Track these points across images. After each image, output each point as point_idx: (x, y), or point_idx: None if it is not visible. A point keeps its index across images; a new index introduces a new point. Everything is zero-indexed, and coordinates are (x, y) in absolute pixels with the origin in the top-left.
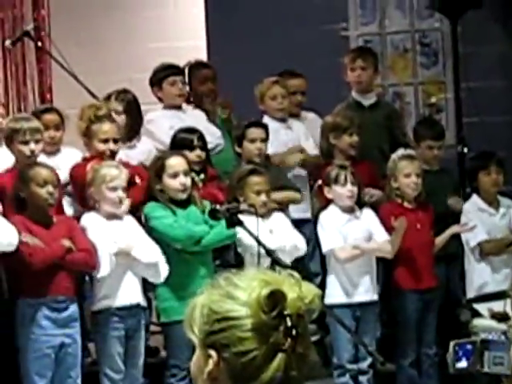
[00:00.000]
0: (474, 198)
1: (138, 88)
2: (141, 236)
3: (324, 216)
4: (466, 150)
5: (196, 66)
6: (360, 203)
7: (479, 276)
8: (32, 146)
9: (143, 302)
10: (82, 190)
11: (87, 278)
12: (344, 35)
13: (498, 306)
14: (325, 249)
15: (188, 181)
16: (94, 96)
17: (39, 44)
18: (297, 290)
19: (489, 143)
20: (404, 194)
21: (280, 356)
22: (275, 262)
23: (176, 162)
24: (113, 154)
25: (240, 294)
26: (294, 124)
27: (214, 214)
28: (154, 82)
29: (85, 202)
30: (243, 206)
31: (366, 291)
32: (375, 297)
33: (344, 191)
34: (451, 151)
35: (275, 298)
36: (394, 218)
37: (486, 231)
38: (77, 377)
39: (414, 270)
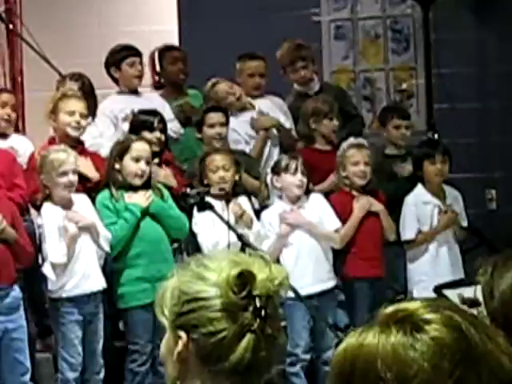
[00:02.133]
0: (419, 187)
1: None
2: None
3: (264, 215)
4: (436, 136)
5: (166, 48)
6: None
7: (416, 271)
8: None
9: (103, 286)
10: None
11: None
12: (316, 20)
13: (467, 292)
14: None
15: (147, 169)
16: (57, 82)
17: (10, 27)
18: (266, 272)
19: (459, 129)
20: (352, 183)
21: (249, 336)
22: (245, 245)
23: (141, 147)
24: (79, 128)
25: (210, 275)
26: (260, 104)
27: (184, 198)
28: (112, 62)
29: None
30: (213, 190)
31: (318, 281)
32: (330, 284)
33: (294, 180)
34: (422, 137)
35: (244, 279)
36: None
37: (429, 224)
38: (25, 360)
39: (362, 259)
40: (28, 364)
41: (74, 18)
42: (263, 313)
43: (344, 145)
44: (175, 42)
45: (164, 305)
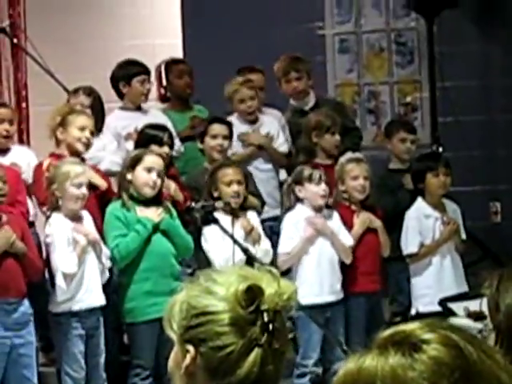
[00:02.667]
0: (419, 201)
1: None
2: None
3: (288, 217)
4: (440, 149)
5: (173, 61)
6: (327, 205)
7: (420, 285)
8: None
9: (103, 303)
10: (41, 188)
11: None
12: (320, 34)
13: (473, 305)
14: (279, 250)
15: (159, 181)
16: (69, 93)
17: (15, 41)
18: (275, 286)
19: (463, 143)
20: (351, 197)
21: (256, 351)
22: (250, 259)
23: (154, 159)
24: (87, 144)
25: (218, 289)
26: (262, 127)
27: (189, 212)
28: (121, 76)
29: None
30: (218, 204)
31: (334, 291)
32: (341, 296)
33: (318, 190)
34: (426, 151)
35: (253, 293)
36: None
37: (432, 237)
38: (32, 376)
39: (360, 274)
40: (35, 380)
41: (78, 32)
42: (271, 327)
43: (342, 159)
44: (179, 55)
45: (172, 319)
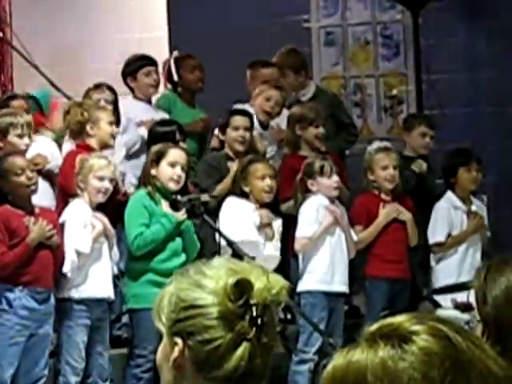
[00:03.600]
0: (449, 194)
1: (98, 79)
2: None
3: (308, 203)
4: None
5: (182, 57)
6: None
7: (443, 272)
8: (26, 140)
9: (112, 296)
10: (69, 179)
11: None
12: (306, 27)
13: (461, 296)
14: (298, 234)
15: (183, 175)
16: (54, 86)
17: (0, 35)
18: (264, 281)
19: (449, 135)
20: (381, 187)
21: (244, 345)
22: (236, 253)
23: (178, 153)
24: (115, 138)
25: (207, 283)
26: (267, 134)
27: (175, 205)
28: (128, 72)
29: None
30: (204, 197)
31: (342, 282)
32: (347, 289)
33: (331, 182)
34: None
35: (242, 287)
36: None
37: (460, 229)
38: (44, 367)
39: (389, 261)
40: (46, 372)
41: (63, 26)
42: (259, 322)
43: (370, 148)
44: (166, 49)
45: (161, 311)
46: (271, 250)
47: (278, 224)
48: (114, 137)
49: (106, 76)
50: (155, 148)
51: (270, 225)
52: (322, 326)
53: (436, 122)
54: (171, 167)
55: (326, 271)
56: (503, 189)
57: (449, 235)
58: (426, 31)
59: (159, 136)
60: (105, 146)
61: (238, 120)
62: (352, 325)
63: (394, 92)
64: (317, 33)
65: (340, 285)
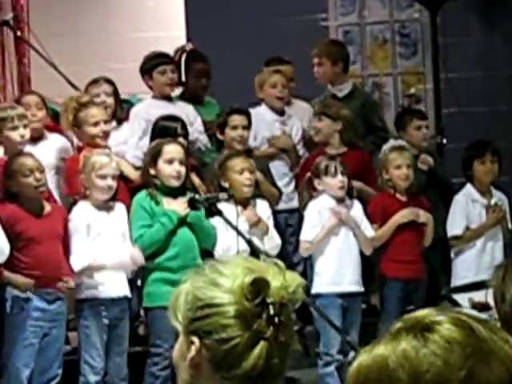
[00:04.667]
0: (468, 187)
1: (116, 78)
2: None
3: (312, 205)
4: (444, 140)
5: (193, 58)
6: (350, 194)
7: (461, 265)
8: (21, 130)
9: (129, 294)
10: (73, 179)
11: None
12: (324, 25)
13: (478, 296)
14: (302, 238)
15: (183, 169)
16: (73, 85)
17: (18, 34)
18: (280, 279)
19: (467, 134)
20: (396, 186)
21: (262, 344)
22: (254, 252)
23: (173, 149)
24: (106, 135)
25: (224, 281)
26: (289, 121)
27: (192, 204)
28: (145, 70)
29: (74, 191)
30: (222, 196)
31: (353, 282)
32: (361, 288)
33: (335, 182)
34: (430, 142)
35: (259, 286)
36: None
37: (478, 222)
38: (58, 367)
39: (403, 261)
40: (60, 371)
41: (81, 25)
42: (277, 320)
43: (385, 148)
44: None
45: (177, 309)
46: (270, 242)
47: (265, 213)
48: (103, 136)
49: (124, 75)
50: (150, 148)
51: (259, 220)
52: (338, 325)
53: (454, 120)
54: (169, 164)
55: (334, 272)
56: None
57: (467, 228)
58: (444, 30)
59: (160, 130)
60: (94, 145)
61: (236, 119)
62: (370, 323)
63: (412, 91)
64: (335, 31)
65: (351, 285)
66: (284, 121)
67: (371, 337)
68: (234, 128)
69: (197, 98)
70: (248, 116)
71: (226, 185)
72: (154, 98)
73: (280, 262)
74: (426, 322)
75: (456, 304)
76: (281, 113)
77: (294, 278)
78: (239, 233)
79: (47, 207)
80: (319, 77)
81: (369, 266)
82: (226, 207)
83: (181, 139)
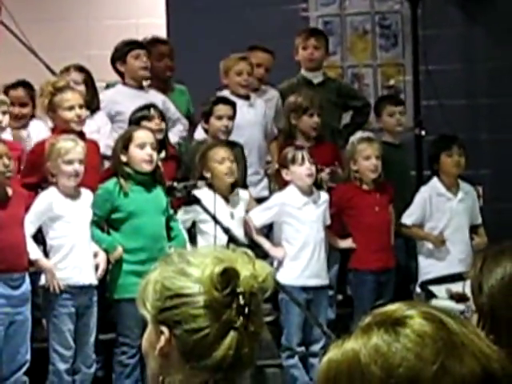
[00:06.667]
0: (434, 181)
1: (96, 65)
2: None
3: (276, 195)
4: (423, 132)
5: (152, 42)
6: (317, 185)
7: (426, 260)
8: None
9: (95, 282)
10: (39, 165)
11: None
12: (304, 16)
13: (455, 287)
14: (252, 217)
15: (154, 154)
16: (52, 71)
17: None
18: (250, 268)
19: (447, 126)
20: (363, 177)
21: (232, 334)
22: (232, 240)
23: (144, 134)
24: (81, 120)
25: (193, 271)
26: (257, 101)
27: (171, 192)
28: (117, 56)
29: (42, 177)
30: (200, 184)
31: (318, 275)
32: (327, 281)
33: (303, 170)
34: (409, 134)
35: (228, 276)
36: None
37: (441, 215)
38: (26, 353)
39: (372, 252)
40: (28, 357)
41: (61, 11)
42: (246, 310)
43: (353, 139)
44: (163, 35)
45: (146, 299)
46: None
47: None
48: (78, 121)
49: (104, 62)
50: (120, 135)
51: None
52: (299, 320)
53: (433, 113)
54: (140, 148)
55: (294, 266)
56: (499, 180)
57: (422, 223)
58: (425, 22)
59: (137, 120)
60: (69, 131)
61: (222, 109)
62: (346, 315)
63: (392, 82)
64: (315, 22)
65: (311, 278)
66: (251, 104)
67: (347, 328)
68: (220, 118)
69: (163, 82)
70: (233, 106)
71: (208, 174)
72: (124, 85)
73: (249, 252)
74: (396, 317)
75: (432, 295)
76: (246, 97)
77: (263, 268)
78: (217, 221)
79: (9, 192)
80: (313, 59)
81: (345, 258)
82: (207, 194)
83: (156, 120)
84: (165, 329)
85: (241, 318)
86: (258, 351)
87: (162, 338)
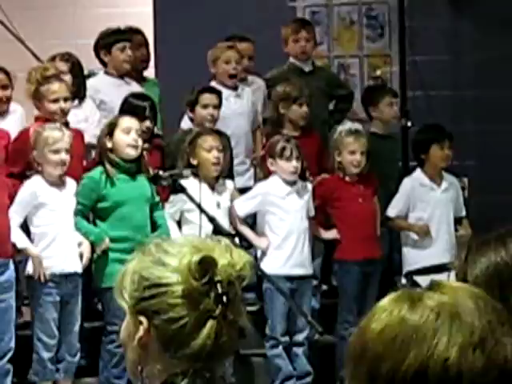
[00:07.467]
0: (418, 172)
1: (84, 53)
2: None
3: (259, 185)
4: (409, 123)
5: (129, 32)
6: (303, 177)
7: (412, 251)
8: None
9: (80, 270)
10: (24, 153)
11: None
12: (291, 6)
13: (440, 278)
14: (236, 207)
15: (140, 140)
16: (40, 60)
17: None
18: (228, 257)
19: (433, 117)
20: (346, 170)
21: (210, 323)
22: (217, 229)
23: (130, 121)
24: (64, 113)
25: (170, 261)
26: (244, 92)
27: (156, 180)
28: (102, 45)
29: (27, 165)
30: (186, 172)
31: (302, 265)
32: (311, 271)
33: (288, 166)
34: (395, 124)
35: (206, 265)
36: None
37: (425, 206)
38: (10, 340)
39: (357, 242)
40: (12, 344)
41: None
42: (225, 299)
43: (341, 128)
44: (150, 24)
45: (124, 289)
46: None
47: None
48: (62, 114)
49: (91, 51)
50: (106, 122)
51: None
52: (283, 310)
53: (419, 104)
54: (126, 134)
55: (278, 256)
56: (484, 172)
57: (406, 215)
58: (411, 13)
59: (130, 108)
60: (53, 120)
61: (207, 98)
62: (330, 305)
63: (378, 73)
64: (302, 12)
65: (295, 267)
66: (238, 94)
67: (332, 318)
68: (205, 107)
69: (138, 72)
70: (219, 95)
71: (195, 162)
72: (106, 73)
73: (227, 240)
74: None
75: (417, 285)
76: (234, 87)
77: (241, 256)
78: (202, 210)
79: None
80: (306, 51)
81: (330, 248)
82: (192, 184)
83: (147, 122)
84: (143, 319)
85: (219, 306)
86: (241, 341)
87: (141, 328)
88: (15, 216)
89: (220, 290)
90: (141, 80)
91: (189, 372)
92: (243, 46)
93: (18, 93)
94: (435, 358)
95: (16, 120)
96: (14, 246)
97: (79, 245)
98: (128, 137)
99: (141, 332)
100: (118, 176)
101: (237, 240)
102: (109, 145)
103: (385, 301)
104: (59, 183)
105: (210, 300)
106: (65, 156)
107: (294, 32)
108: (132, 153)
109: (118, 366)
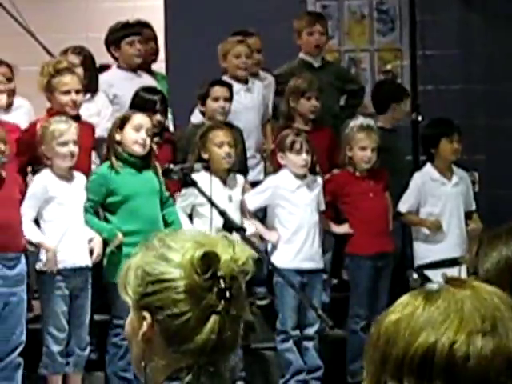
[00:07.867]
0: (428, 167)
1: (94, 47)
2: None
3: (269, 178)
4: (420, 117)
5: (137, 26)
6: (313, 171)
7: (423, 245)
8: None
9: (90, 264)
10: (31, 146)
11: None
12: (301, 0)
13: (451, 272)
14: (245, 197)
15: (148, 140)
16: (50, 54)
17: None
18: (230, 252)
19: (443, 111)
20: (356, 165)
21: (214, 318)
22: (227, 222)
23: (142, 118)
24: (76, 105)
25: (173, 256)
26: (254, 86)
27: (167, 174)
28: (112, 40)
29: (33, 159)
30: (197, 167)
31: (312, 259)
32: (321, 265)
33: (298, 160)
34: (405, 119)
35: (208, 260)
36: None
37: (436, 200)
38: (21, 334)
39: (369, 237)
40: (23, 338)
41: None
42: (228, 294)
43: (353, 124)
44: (161, 17)
45: (127, 284)
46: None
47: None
48: (73, 106)
49: (102, 44)
50: (119, 116)
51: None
52: (294, 303)
53: (430, 98)
54: (136, 131)
55: (288, 249)
56: (495, 166)
57: (417, 209)
58: (422, 7)
59: (141, 102)
60: (64, 113)
61: (218, 90)
62: (341, 299)
63: (389, 67)
64: (312, 6)
65: (305, 261)
66: (249, 88)
67: (343, 312)
68: (216, 99)
69: (147, 65)
70: (230, 88)
71: (206, 156)
72: (118, 67)
73: (229, 235)
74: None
75: (428, 280)
76: (245, 81)
77: (243, 251)
78: (213, 204)
79: (3, 174)
80: (320, 45)
81: (341, 242)
82: (204, 178)
83: (158, 116)
84: (147, 314)
85: (222, 301)
86: (252, 334)
87: (145, 324)
88: (28, 210)
89: (223, 285)
90: (149, 73)
91: (193, 367)
92: (250, 41)
93: (27, 87)
94: (443, 342)
95: (23, 115)
96: (27, 240)
97: (90, 240)
98: (137, 134)
99: (144, 327)
100: (124, 169)
101: (248, 233)
102: (118, 137)
103: (404, 296)
104: (68, 176)
105: (213, 295)
106: (73, 147)
107: (308, 25)
108: (138, 150)
109: (124, 359)
